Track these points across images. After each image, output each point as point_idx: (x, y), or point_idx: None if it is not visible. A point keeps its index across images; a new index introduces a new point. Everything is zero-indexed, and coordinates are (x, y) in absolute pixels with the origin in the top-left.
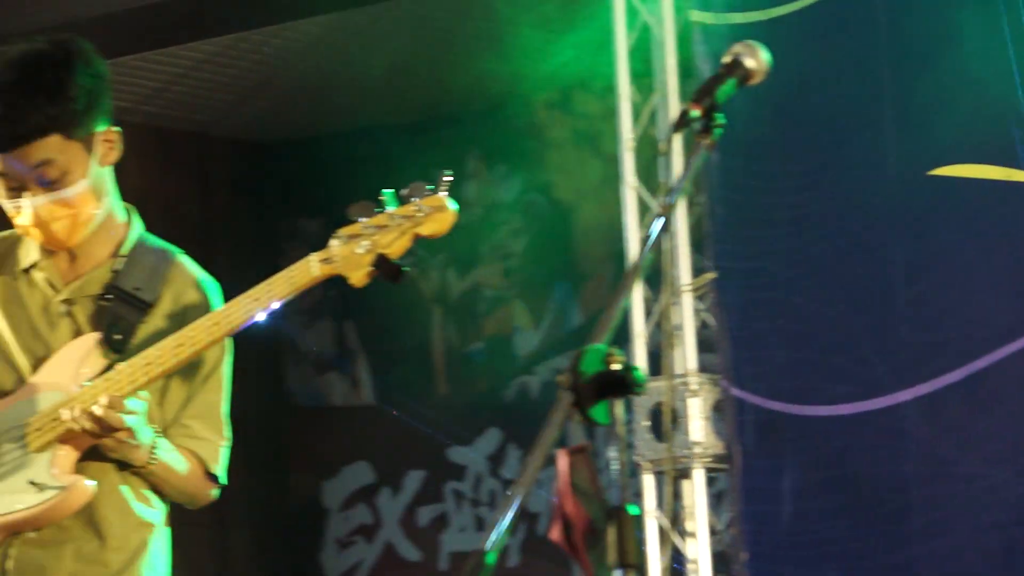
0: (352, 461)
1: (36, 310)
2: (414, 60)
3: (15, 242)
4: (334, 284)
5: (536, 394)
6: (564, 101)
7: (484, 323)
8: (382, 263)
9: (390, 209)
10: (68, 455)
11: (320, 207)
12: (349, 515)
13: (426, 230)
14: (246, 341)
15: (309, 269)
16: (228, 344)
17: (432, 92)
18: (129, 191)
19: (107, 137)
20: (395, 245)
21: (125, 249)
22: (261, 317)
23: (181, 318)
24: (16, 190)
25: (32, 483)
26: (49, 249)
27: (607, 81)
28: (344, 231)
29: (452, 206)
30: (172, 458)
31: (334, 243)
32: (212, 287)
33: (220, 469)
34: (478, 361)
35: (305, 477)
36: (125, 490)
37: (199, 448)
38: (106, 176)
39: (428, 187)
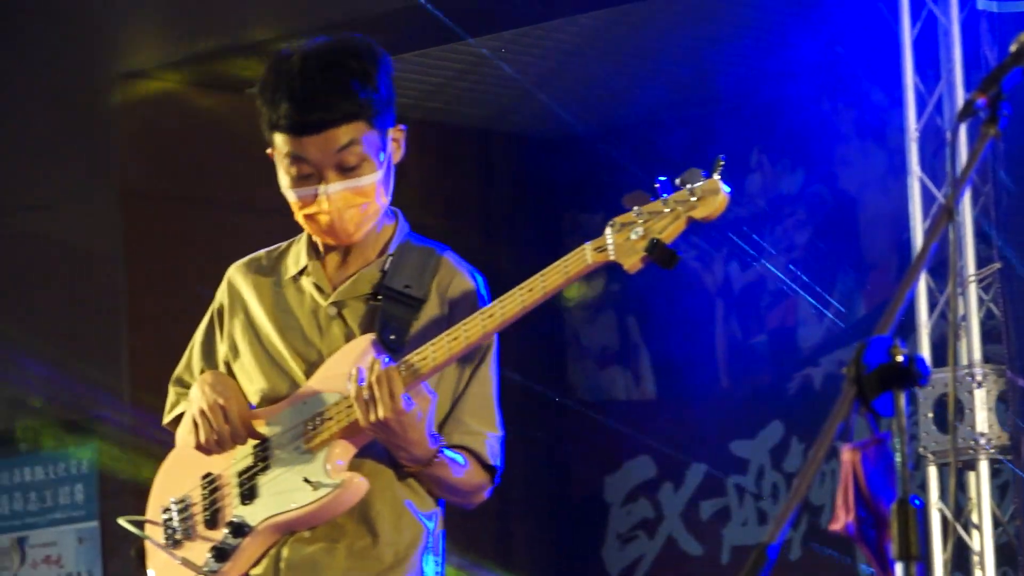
0: (634, 455)
1: (306, 316)
2: (695, 52)
3: (284, 252)
4: (616, 278)
5: (819, 386)
6: (848, 92)
7: (767, 316)
8: (655, 248)
9: (664, 196)
10: (344, 452)
11: (601, 202)
12: (631, 509)
13: (699, 213)
14: (528, 335)
15: (584, 257)
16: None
17: (714, 85)
18: (410, 187)
19: (395, 136)
20: (669, 230)
21: (392, 248)
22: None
23: (451, 313)
24: (307, 177)
25: (307, 481)
26: (318, 252)
27: (892, 71)
28: (619, 219)
29: (725, 189)
30: (451, 457)
31: (608, 231)
32: (480, 280)
33: (496, 461)
34: (761, 354)
35: (586, 471)
36: (400, 488)
37: (473, 443)
38: (392, 175)
39: (702, 173)
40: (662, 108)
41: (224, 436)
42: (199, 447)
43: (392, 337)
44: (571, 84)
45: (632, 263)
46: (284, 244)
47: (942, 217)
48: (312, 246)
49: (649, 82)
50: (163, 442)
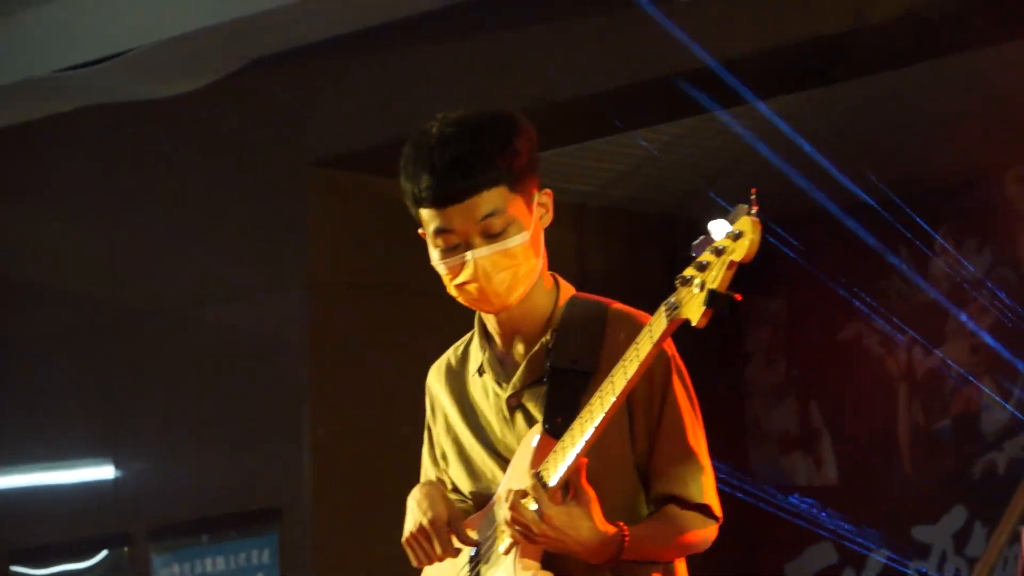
0: (815, 541)
1: (492, 411)
2: (878, 139)
3: (467, 346)
4: (797, 363)
5: (1003, 471)
6: None
7: (951, 400)
8: (714, 299)
9: (713, 242)
10: (529, 552)
11: (780, 286)
12: None
13: (737, 256)
14: (708, 419)
15: (661, 320)
16: (677, 366)
17: (898, 169)
18: (595, 277)
19: (542, 200)
20: (720, 279)
21: (556, 321)
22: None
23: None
24: (455, 248)
25: None
26: (490, 339)
27: None
28: (684, 273)
29: (754, 228)
30: (649, 534)
31: (677, 287)
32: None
33: (708, 498)
34: (944, 438)
35: (768, 557)
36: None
37: (677, 489)
38: (541, 239)
39: (746, 209)
40: (844, 193)
41: (433, 556)
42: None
43: (559, 420)
44: (754, 169)
45: (697, 318)
46: (467, 336)
47: None
48: (484, 335)
49: (833, 167)
50: (345, 531)
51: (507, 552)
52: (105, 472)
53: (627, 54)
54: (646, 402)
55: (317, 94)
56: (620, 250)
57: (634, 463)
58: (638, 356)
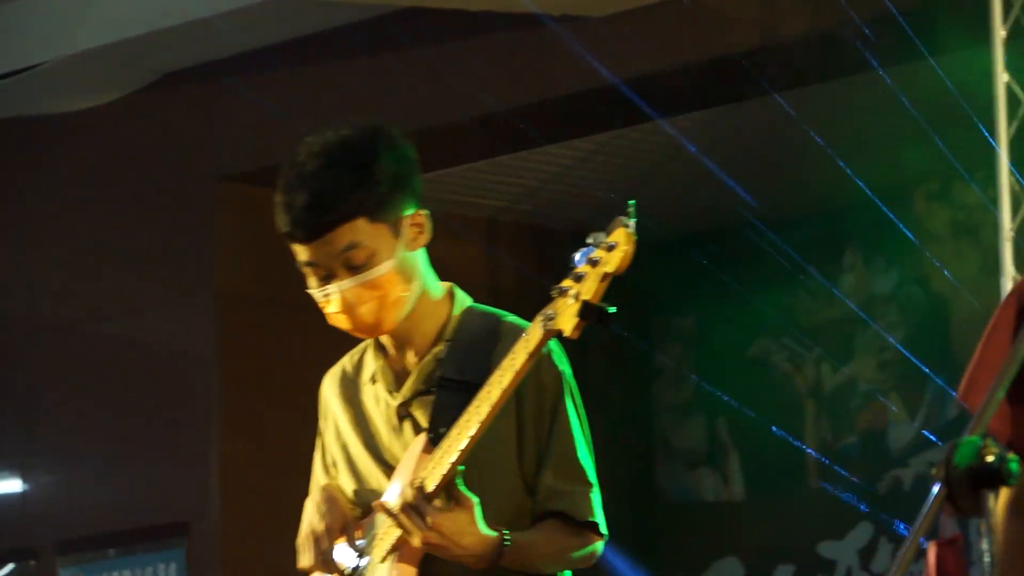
0: (722, 556)
1: (382, 420)
2: (787, 156)
3: (363, 354)
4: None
5: (909, 487)
6: (943, 192)
7: (858, 417)
8: (587, 311)
9: (590, 253)
10: (406, 558)
11: (692, 304)
12: None
13: (611, 268)
14: (617, 437)
15: (537, 330)
16: (569, 385)
17: (805, 187)
18: (506, 291)
19: (415, 220)
20: (594, 291)
21: (448, 332)
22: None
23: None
24: (326, 279)
25: None
26: (384, 350)
27: (987, 171)
28: (561, 284)
29: (628, 239)
30: (530, 543)
31: (554, 297)
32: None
33: (594, 516)
34: (851, 455)
35: (676, 572)
36: None
37: (562, 505)
38: (417, 259)
39: (622, 220)
40: (751, 211)
41: (319, 563)
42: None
43: (443, 430)
44: (666, 185)
45: (570, 329)
46: (363, 344)
47: None
48: (378, 345)
49: (742, 184)
50: (252, 545)
51: (383, 560)
52: (13, 485)
53: (539, 71)
54: (536, 419)
55: (225, 109)
56: (531, 265)
57: (522, 478)
58: (513, 366)
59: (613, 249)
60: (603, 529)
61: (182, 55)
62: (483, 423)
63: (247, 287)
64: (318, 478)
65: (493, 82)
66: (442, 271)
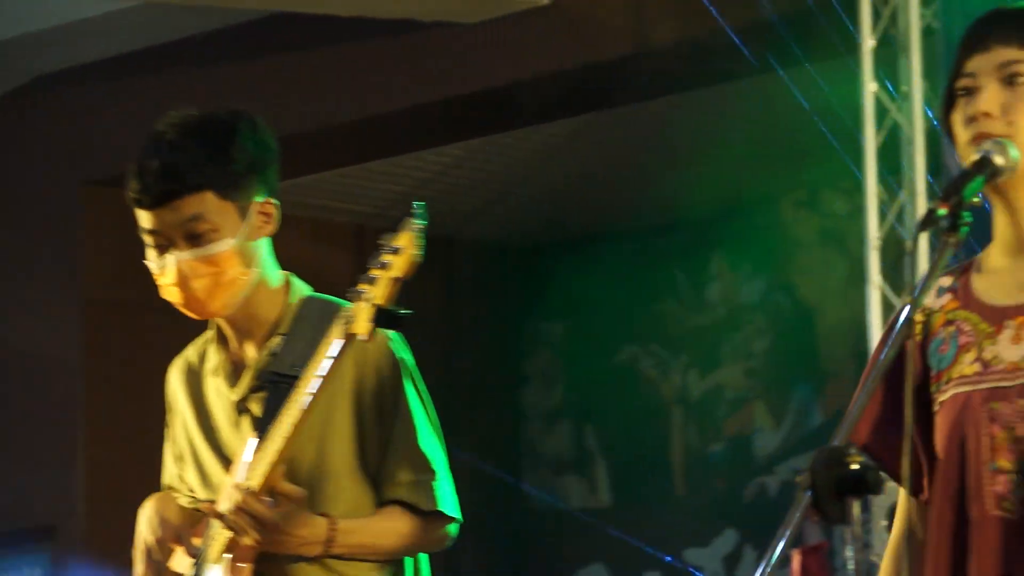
0: (588, 563)
1: (223, 414)
2: (656, 163)
3: (207, 343)
4: (574, 387)
5: (774, 494)
6: (810, 201)
7: (724, 424)
8: (380, 316)
9: (381, 257)
10: (240, 556)
11: (563, 311)
12: None
13: (398, 272)
14: (483, 442)
15: (339, 332)
16: (409, 372)
17: (673, 194)
18: None
19: (264, 209)
20: (384, 294)
21: (285, 324)
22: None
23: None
24: (163, 247)
25: None
26: (225, 341)
27: (853, 180)
28: (358, 286)
29: (412, 242)
30: (362, 527)
31: (352, 300)
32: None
33: (441, 504)
34: (717, 462)
35: None
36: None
37: (403, 494)
38: (260, 248)
39: (409, 222)
40: (624, 217)
41: (152, 574)
42: None
43: (270, 428)
44: (533, 193)
45: (365, 331)
46: (207, 334)
47: (901, 327)
48: (220, 336)
49: (612, 191)
50: (118, 550)
51: (217, 560)
52: None
53: (410, 77)
54: (375, 410)
55: (94, 112)
56: None
57: (363, 470)
58: (316, 370)
59: (399, 253)
60: (452, 513)
61: (51, 59)
62: (295, 425)
63: (113, 291)
64: (169, 470)
65: (364, 88)
66: (310, 277)
